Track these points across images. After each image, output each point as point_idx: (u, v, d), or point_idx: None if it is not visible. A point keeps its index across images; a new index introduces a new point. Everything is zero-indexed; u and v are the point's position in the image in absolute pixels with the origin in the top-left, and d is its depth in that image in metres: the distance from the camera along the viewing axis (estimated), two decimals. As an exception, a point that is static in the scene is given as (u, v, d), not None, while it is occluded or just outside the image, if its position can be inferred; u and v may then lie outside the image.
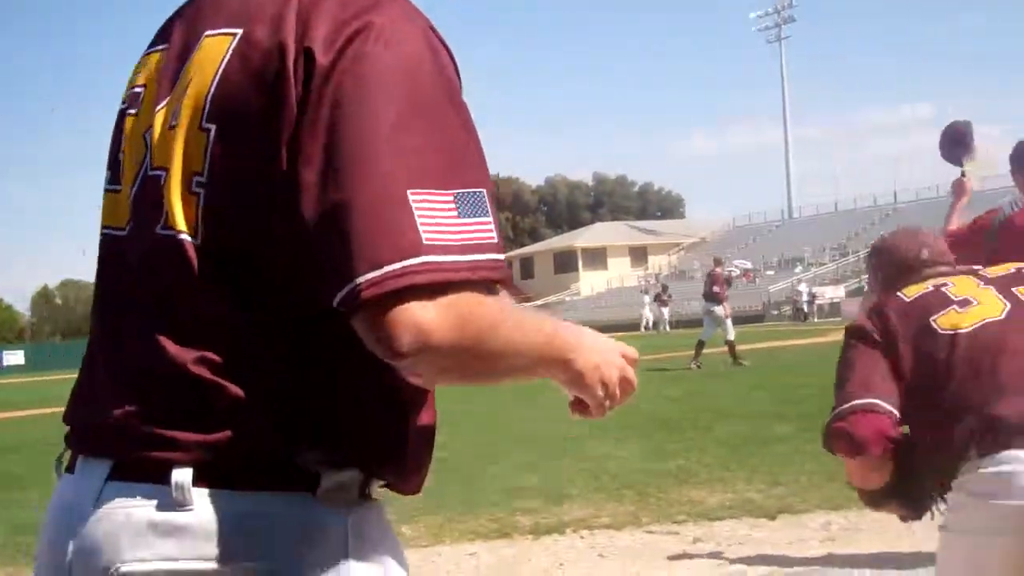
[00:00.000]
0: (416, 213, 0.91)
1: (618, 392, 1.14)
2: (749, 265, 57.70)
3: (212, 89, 1.01)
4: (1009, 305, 2.11)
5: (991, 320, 2.07)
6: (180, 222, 1.01)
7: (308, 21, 0.98)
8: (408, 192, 0.91)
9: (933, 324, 2.09)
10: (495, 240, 0.96)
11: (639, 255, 68.52)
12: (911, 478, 2.07)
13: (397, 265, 0.89)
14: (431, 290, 0.90)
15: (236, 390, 0.97)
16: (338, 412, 1.02)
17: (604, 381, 1.11)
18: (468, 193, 0.95)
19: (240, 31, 1.02)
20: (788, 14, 74.89)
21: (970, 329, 2.06)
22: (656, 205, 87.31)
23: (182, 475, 0.96)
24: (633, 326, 41.81)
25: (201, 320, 0.99)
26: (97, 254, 1.15)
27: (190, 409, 0.98)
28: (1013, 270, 2.26)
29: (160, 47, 1.13)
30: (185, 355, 0.98)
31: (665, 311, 41.36)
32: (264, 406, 0.98)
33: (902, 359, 2.08)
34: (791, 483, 5.82)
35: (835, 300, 48.84)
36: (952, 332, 2.06)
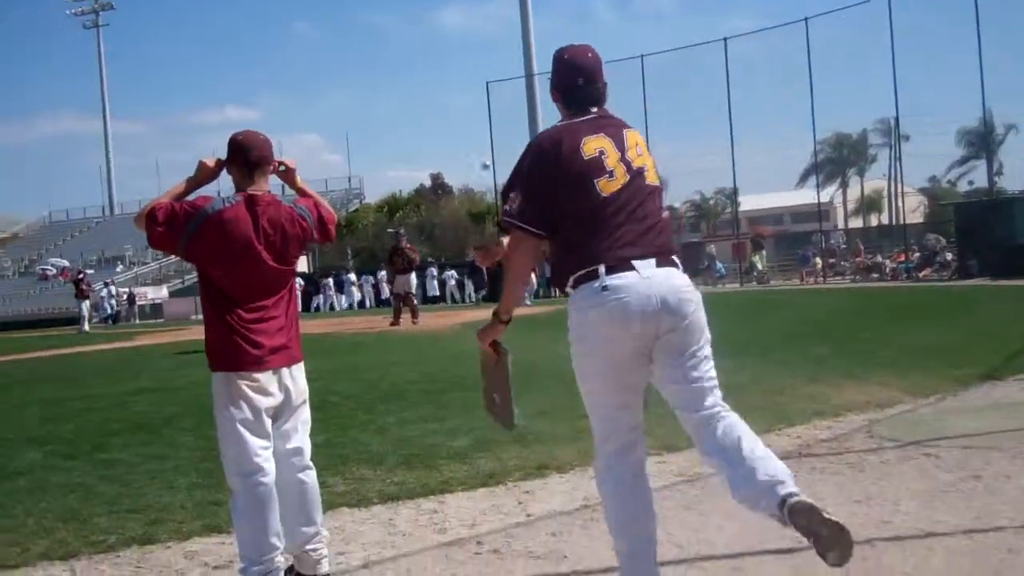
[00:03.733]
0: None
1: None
2: (66, 264, 53.63)
3: (647, 147, 3.26)
4: None
5: None
6: (654, 180, 3.17)
7: None
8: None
9: None
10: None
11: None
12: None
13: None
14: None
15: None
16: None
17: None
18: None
19: (628, 130, 3.21)
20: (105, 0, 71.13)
21: None
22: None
23: (678, 260, 3.11)
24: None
25: (661, 214, 3.17)
26: (596, 200, 3.04)
27: (665, 242, 3.13)
28: None
29: (600, 135, 3.11)
30: (663, 224, 3.17)
31: None
32: None
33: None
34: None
35: (157, 301, 47.29)
36: None
